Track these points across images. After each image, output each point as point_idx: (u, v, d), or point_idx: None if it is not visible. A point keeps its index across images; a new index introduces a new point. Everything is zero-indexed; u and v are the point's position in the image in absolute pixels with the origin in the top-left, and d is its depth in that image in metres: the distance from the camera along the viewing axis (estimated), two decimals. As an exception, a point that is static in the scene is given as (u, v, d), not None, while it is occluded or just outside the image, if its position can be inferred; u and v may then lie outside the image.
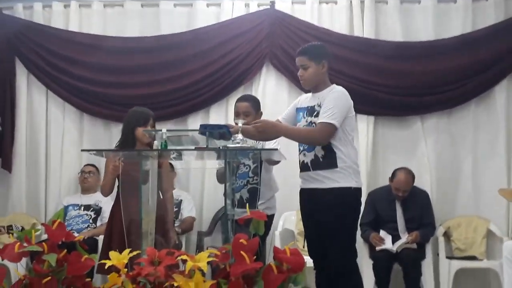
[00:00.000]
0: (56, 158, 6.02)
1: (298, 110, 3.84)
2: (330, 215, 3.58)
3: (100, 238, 5.40)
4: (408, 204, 5.36)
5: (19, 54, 6.08)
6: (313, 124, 3.65)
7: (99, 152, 4.18)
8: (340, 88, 3.72)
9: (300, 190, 3.89)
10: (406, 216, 5.36)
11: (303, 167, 3.75)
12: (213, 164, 4.39)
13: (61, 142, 6.05)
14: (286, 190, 5.74)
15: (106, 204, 5.56)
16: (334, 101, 3.60)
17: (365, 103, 5.67)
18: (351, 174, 3.65)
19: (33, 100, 6.11)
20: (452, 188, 5.67)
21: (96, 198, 5.67)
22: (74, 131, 6.08)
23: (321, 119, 3.59)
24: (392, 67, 5.73)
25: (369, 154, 5.67)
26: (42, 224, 3.70)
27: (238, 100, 4.35)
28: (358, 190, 3.71)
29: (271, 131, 3.69)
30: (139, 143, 4.07)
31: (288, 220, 5.65)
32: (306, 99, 3.82)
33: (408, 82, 5.71)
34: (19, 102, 6.05)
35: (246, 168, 4.21)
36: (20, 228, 4.76)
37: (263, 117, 4.17)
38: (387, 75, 5.71)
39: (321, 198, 3.63)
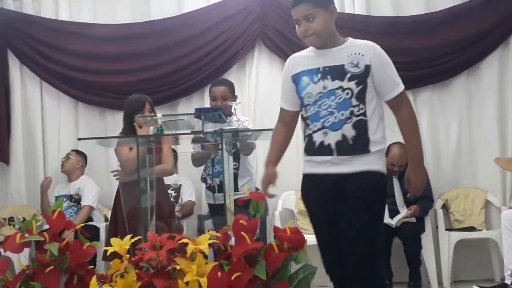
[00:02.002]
0: (53, 148, 6.03)
1: (298, 75, 3.01)
2: (361, 204, 2.82)
3: (101, 226, 5.44)
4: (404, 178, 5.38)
5: (11, 46, 6.07)
6: (348, 91, 2.81)
7: (95, 140, 4.18)
8: (372, 43, 3.00)
9: (311, 176, 3.08)
10: (404, 190, 5.37)
11: (321, 150, 2.92)
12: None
13: (57, 132, 6.06)
14: (285, 170, 5.75)
15: (86, 191, 5.54)
16: (389, 61, 2.97)
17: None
18: (382, 158, 2.97)
19: (27, 91, 6.10)
20: (449, 160, 5.69)
21: (77, 186, 5.60)
22: (70, 120, 6.08)
23: (397, 87, 2.95)
24: (384, 43, 5.62)
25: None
26: (43, 214, 3.72)
27: (215, 84, 4.30)
28: (384, 177, 3.00)
29: (421, 171, 3.03)
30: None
31: (287, 200, 5.68)
32: (306, 60, 3.01)
33: (400, 57, 5.68)
34: (13, 94, 6.04)
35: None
36: (21, 219, 4.77)
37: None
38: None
39: (351, 183, 2.84)
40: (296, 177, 5.74)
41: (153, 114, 4.04)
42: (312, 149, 2.97)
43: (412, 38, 5.69)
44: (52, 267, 2.84)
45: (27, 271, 2.88)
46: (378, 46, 2.95)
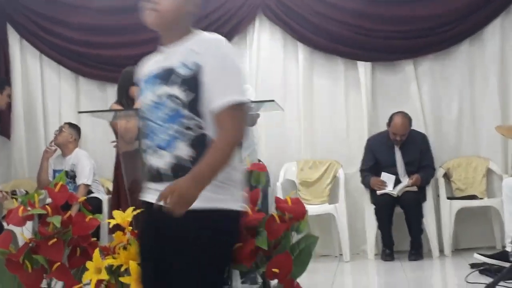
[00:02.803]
0: (54, 122, 6.03)
1: (143, 84, 2.23)
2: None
3: (104, 198, 5.46)
4: (406, 147, 5.39)
5: (10, 20, 6.04)
6: (169, 99, 2.04)
7: (95, 113, 4.18)
8: (222, 37, 2.19)
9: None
10: (406, 159, 5.40)
11: (151, 177, 2.11)
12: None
13: (58, 105, 6.06)
14: (285, 142, 5.81)
15: (80, 168, 5.48)
16: (232, 66, 2.10)
17: (360, 49, 5.67)
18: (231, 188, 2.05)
19: (27, 65, 6.09)
20: (451, 129, 5.68)
21: (72, 161, 5.55)
22: (71, 93, 6.08)
23: (225, 98, 1.99)
24: (386, 12, 5.67)
25: (369, 101, 5.67)
26: (45, 187, 3.73)
27: None
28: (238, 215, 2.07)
29: (189, 191, 1.89)
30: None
31: (289, 171, 5.69)
32: (150, 62, 2.33)
33: (402, 26, 5.67)
34: (13, 68, 6.04)
35: None
36: (24, 192, 4.79)
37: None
38: (381, 20, 5.67)
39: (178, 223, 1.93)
40: (297, 148, 5.77)
41: None
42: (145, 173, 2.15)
43: (412, 6, 5.64)
44: (55, 240, 2.85)
45: (30, 244, 2.90)
46: (224, 43, 2.16)
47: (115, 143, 4.25)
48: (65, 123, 5.69)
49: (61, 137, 5.58)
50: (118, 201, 4.07)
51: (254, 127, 4.37)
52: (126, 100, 4.07)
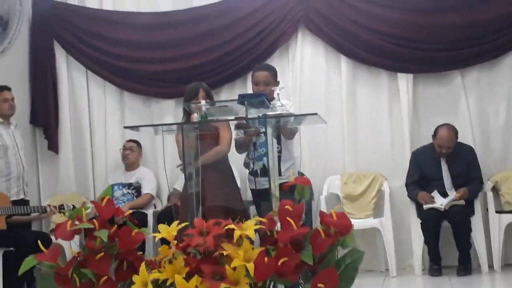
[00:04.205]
0: (100, 137, 6.14)
1: None
2: None
3: (149, 212, 5.53)
4: (453, 160, 5.30)
5: (57, 36, 6.17)
6: None
7: (141, 128, 4.23)
8: None
9: None
10: (452, 172, 5.30)
11: None
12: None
13: (104, 120, 6.15)
14: (328, 155, 5.76)
15: (146, 181, 5.69)
16: None
17: (403, 61, 5.61)
18: None
19: (74, 81, 6.20)
20: (498, 142, 5.55)
21: (137, 175, 5.76)
22: (116, 109, 6.17)
23: None
24: (429, 22, 5.60)
25: (411, 113, 5.60)
26: (92, 201, 3.78)
27: (258, 69, 4.27)
28: None
29: None
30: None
31: (332, 185, 5.65)
32: None
33: (445, 36, 5.58)
34: (60, 84, 6.16)
35: None
36: (71, 207, 4.86)
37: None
38: (424, 31, 5.60)
39: None
40: (341, 161, 5.72)
41: (207, 101, 4.04)
42: None
43: (456, 15, 5.54)
44: (102, 253, 2.88)
45: (78, 258, 2.93)
46: None
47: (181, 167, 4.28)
48: (132, 141, 5.83)
49: (132, 156, 5.84)
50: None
51: (293, 140, 4.35)
52: (187, 116, 4.10)
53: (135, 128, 4.26)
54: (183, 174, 4.09)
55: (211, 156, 4.10)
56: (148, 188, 5.73)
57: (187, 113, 4.07)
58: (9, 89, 5.24)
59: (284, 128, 3.93)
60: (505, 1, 5.47)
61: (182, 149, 3.83)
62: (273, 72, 4.26)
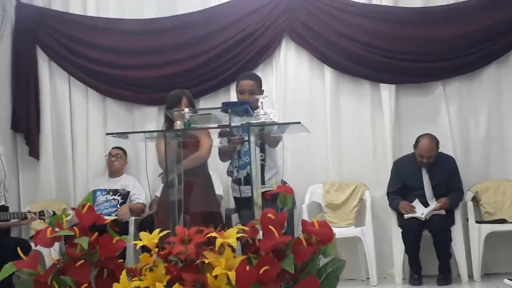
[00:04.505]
0: (82, 143, 6.10)
1: None
2: None
3: (130, 220, 5.50)
4: (434, 170, 5.34)
5: (40, 42, 6.13)
6: None
7: (123, 134, 4.21)
8: None
9: None
10: (433, 182, 5.34)
11: None
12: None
13: (85, 127, 6.12)
14: (311, 164, 5.78)
15: (134, 188, 5.66)
16: None
17: (386, 72, 5.65)
18: None
19: (56, 87, 6.17)
20: (479, 152, 5.61)
21: (122, 182, 5.75)
22: (98, 115, 6.14)
23: None
24: (412, 34, 5.66)
25: (393, 123, 5.64)
26: (73, 208, 3.75)
27: (243, 78, 4.28)
28: None
29: None
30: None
31: (314, 193, 5.67)
32: None
33: (429, 48, 5.63)
34: (42, 90, 6.12)
35: None
36: (52, 213, 4.83)
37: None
38: (408, 42, 5.65)
39: None
40: (323, 170, 5.74)
41: (189, 108, 4.04)
42: None
43: (441, 29, 5.61)
44: (82, 261, 2.85)
45: (57, 265, 2.90)
46: None
47: (162, 176, 4.27)
48: (117, 148, 5.81)
49: (118, 163, 5.84)
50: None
51: (277, 149, 4.36)
52: (169, 123, 4.09)
53: (118, 134, 4.24)
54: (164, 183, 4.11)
55: (191, 161, 4.10)
56: (142, 198, 5.77)
57: (169, 120, 4.07)
58: None
59: (268, 137, 3.94)
60: (487, 15, 5.53)
61: (163, 156, 3.83)
62: (258, 81, 4.28)
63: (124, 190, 5.70)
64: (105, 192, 5.69)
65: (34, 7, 6.12)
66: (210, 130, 3.89)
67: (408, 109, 5.73)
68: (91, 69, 6.06)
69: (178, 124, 3.60)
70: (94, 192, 5.73)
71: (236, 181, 4.20)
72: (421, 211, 5.19)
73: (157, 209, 3.85)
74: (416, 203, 5.25)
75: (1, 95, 5.86)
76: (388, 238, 5.46)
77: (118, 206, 5.61)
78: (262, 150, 4.07)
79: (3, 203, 5.07)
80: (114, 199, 5.65)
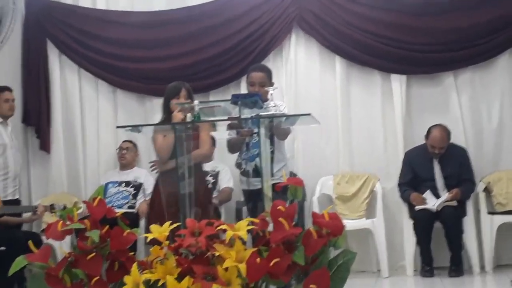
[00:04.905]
0: (93, 136, 6.12)
1: None
2: None
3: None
4: (445, 161, 5.31)
5: (50, 35, 6.14)
6: None
7: (134, 127, 4.21)
8: None
9: None
10: (445, 173, 5.31)
11: None
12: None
13: (96, 119, 6.13)
14: (322, 155, 5.76)
15: (147, 180, 5.65)
16: None
17: (396, 62, 5.62)
18: None
19: (66, 80, 6.18)
20: (491, 143, 5.57)
21: (134, 174, 5.75)
22: (108, 107, 6.15)
23: None
24: (423, 24, 5.62)
25: (404, 114, 5.61)
26: (83, 201, 3.76)
27: (253, 70, 4.26)
28: None
29: None
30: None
31: (325, 185, 5.65)
32: None
33: (440, 38, 5.59)
34: (53, 83, 6.13)
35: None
36: (62, 206, 4.85)
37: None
38: (418, 32, 5.62)
39: None
40: (334, 162, 5.72)
41: (189, 100, 4.03)
42: None
43: (451, 18, 5.57)
44: (94, 254, 2.86)
45: (69, 259, 2.91)
46: None
47: (152, 165, 4.28)
48: (129, 142, 5.82)
49: (130, 156, 5.85)
50: (155, 215, 4.08)
51: (286, 142, 4.35)
52: (167, 115, 4.09)
53: (130, 128, 4.23)
54: (156, 175, 4.13)
55: (194, 158, 4.08)
56: None
57: (167, 112, 4.06)
58: (10, 90, 5.24)
59: (277, 129, 3.92)
60: (498, 4, 5.48)
61: (162, 149, 3.87)
62: (268, 73, 4.27)
63: (136, 181, 5.70)
64: (117, 184, 5.70)
65: (44, 1, 6.13)
66: (216, 123, 3.87)
67: (419, 100, 5.69)
68: (101, 62, 6.07)
69: (178, 116, 3.61)
70: (106, 184, 5.74)
71: (245, 173, 4.19)
72: (432, 202, 5.17)
73: (167, 201, 3.85)
74: (428, 194, 5.23)
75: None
76: (399, 229, 5.44)
77: (131, 198, 5.62)
78: (271, 143, 4.05)
79: (18, 196, 5.11)
80: (126, 190, 5.66)
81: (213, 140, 5.51)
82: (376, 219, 5.38)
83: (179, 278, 2.77)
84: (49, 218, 4.88)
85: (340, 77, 5.71)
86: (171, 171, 3.86)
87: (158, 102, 5.94)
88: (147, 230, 3.07)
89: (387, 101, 5.69)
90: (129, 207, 5.54)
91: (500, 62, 5.56)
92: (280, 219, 2.83)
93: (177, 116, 3.84)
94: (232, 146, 4.29)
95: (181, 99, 4.04)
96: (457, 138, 5.45)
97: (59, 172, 6.06)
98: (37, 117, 6.05)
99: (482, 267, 5.20)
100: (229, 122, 3.87)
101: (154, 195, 4.28)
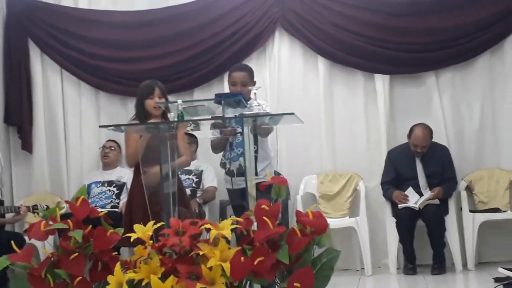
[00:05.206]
0: (75, 136, 6.08)
1: None
2: None
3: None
4: (428, 160, 5.34)
5: (31, 34, 6.10)
6: None
7: (117, 127, 4.18)
8: None
9: None
10: (427, 172, 5.35)
11: None
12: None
13: (79, 120, 6.10)
14: (305, 155, 5.78)
15: (129, 179, 5.62)
16: None
17: (379, 62, 5.64)
18: None
19: (48, 80, 6.14)
20: (472, 141, 5.61)
21: (117, 173, 5.73)
22: (91, 108, 6.11)
23: None
24: (405, 24, 5.65)
25: (387, 113, 5.64)
26: (66, 201, 3.74)
27: (234, 70, 4.26)
28: None
29: None
30: (152, 116, 4.05)
31: (308, 184, 5.67)
32: None
33: (422, 38, 5.63)
34: (34, 83, 6.09)
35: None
36: (45, 207, 4.81)
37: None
38: (401, 32, 5.65)
39: None
40: (317, 161, 5.74)
41: (163, 99, 4.02)
42: None
43: (434, 18, 5.61)
44: (77, 254, 2.85)
45: (52, 259, 2.90)
46: None
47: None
48: (111, 141, 5.78)
49: (113, 155, 5.82)
50: (131, 214, 4.06)
51: (269, 140, 4.35)
52: (142, 114, 4.06)
53: (113, 127, 4.21)
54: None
55: (180, 166, 4.11)
56: None
57: (143, 112, 4.04)
58: None
59: (259, 127, 3.92)
60: (479, 5, 5.53)
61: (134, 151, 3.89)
62: (250, 72, 4.27)
63: (119, 181, 5.68)
64: (100, 184, 5.68)
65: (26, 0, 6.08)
66: (201, 122, 3.87)
67: (402, 99, 5.72)
68: (83, 62, 6.04)
69: (171, 116, 3.59)
70: (89, 184, 5.71)
71: (229, 173, 4.20)
72: (414, 199, 5.20)
73: (150, 201, 3.83)
74: (410, 191, 5.26)
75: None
76: (382, 228, 5.46)
77: (114, 198, 5.59)
78: (255, 142, 4.05)
79: None
80: (109, 190, 5.64)
81: (195, 138, 5.53)
82: (359, 217, 5.40)
83: (163, 278, 2.76)
84: (32, 219, 4.85)
85: (323, 76, 5.73)
86: (152, 170, 3.85)
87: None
88: (125, 231, 3.06)
89: (370, 101, 5.72)
90: (112, 207, 5.52)
91: (481, 62, 5.60)
92: (264, 218, 2.84)
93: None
94: (216, 146, 4.29)
95: (155, 98, 4.01)
96: (439, 137, 5.48)
97: (42, 172, 6.02)
98: (19, 116, 6.00)
99: (464, 265, 5.24)
100: (213, 121, 3.87)
101: (130, 197, 4.25)
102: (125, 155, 4.41)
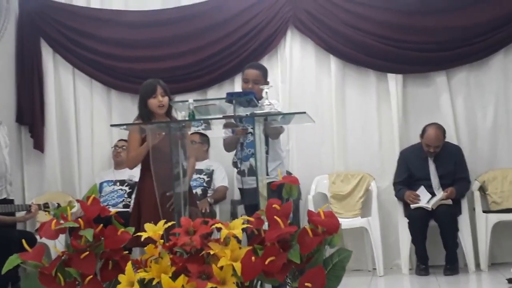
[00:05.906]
0: (87, 135, 6.09)
1: None
2: None
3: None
4: (441, 160, 5.30)
5: (44, 34, 6.11)
6: None
7: (128, 126, 4.18)
8: None
9: None
10: (440, 172, 5.31)
11: None
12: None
13: (90, 119, 6.11)
14: (317, 154, 5.76)
15: None
16: None
17: (392, 61, 5.61)
18: None
19: (60, 79, 6.15)
20: (486, 141, 5.57)
21: (129, 172, 5.71)
22: (103, 107, 6.12)
23: None
24: (418, 23, 5.62)
25: (399, 113, 5.60)
26: (77, 200, 3.74)
27: (249, 67, 4.26)
28: None
29: None
30: (156, 114, 4.04)
31: (320, 184, 5.64)
32: None
33: (435, 37, 5.59)
34: (46, 82, 6.10)
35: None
36: (56, 204, 4.82)
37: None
38: (413, 31, 5.61)
39: None
40: (329, 161, 5.72)
41: (166, 97, 4.00)
42: None
43: (447, 17, 5.57)
44: (87, 253, 2.85)
45: (62, 257, 2.90)
46: None
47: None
48: (123, 140, 5.77)
49: (125, 154, 5.69)
50: (139, 214, 4.04)
51: (280, 140, 4.34)
52: (145, 114, 4.04)
53: (121, 126, 4.21)
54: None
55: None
56: None
57: (146, 111, 4.02)
58: None
59: (269, 127, 3.91)
60: (493, 3, 5.49)
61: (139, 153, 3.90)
62: (263, 71, 4.26)
63: (131, 180, 5.67)
64: (112, 183, 5.68)
65: (38, -1, 6.11)
66: (212, 121, 3.86)
67: (414, 99, 5.69)
68: (95, 61, 6.05)
69: (182, 115, 3.59)
70: (101, 183, 5.71)
71: (240, 173, 4.19)
72: (426, 198, 5.17)
73: (161, 200, 3.81)
74: (421, 190, 5.23)
75: (5, 88, 5.85)
76: (395, 228, 5.43)
77: (126, 197, 5.60)
78: (266, 143, 4.04)
79: (5, 196, 5.05)
80: (121, 189, 5.63)
81: (206, 138, 5.53)
82: (371, 217, 5.37)
83: (174, 277, 2.76)
84: (43, 217, 4.86)
85: (335, 76, 5.70)
86: (162, 170, 3.83)
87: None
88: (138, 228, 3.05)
89: (382, 101, 5.69)
90: (124, 206, 5.52)
91: (495, 61, 5.56)
92: (275, 217, 2.83)
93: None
94: (228, 145, 4.28)
95: (158, 96, 3.99)
96: (452, 137, 5.45)
97: (53, 171, 6.03)
98: (31, 116, 6.02)
99: (477, 266, 5.20)
100: (224, 120, 3.86)
101: (138, 197, 4.22)
102: (125, 157, 4.39)
